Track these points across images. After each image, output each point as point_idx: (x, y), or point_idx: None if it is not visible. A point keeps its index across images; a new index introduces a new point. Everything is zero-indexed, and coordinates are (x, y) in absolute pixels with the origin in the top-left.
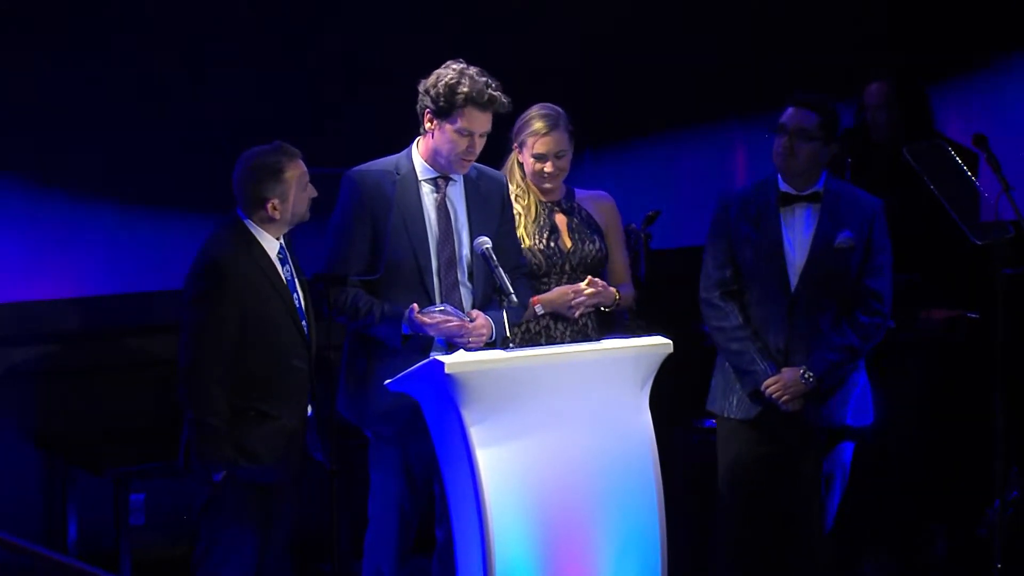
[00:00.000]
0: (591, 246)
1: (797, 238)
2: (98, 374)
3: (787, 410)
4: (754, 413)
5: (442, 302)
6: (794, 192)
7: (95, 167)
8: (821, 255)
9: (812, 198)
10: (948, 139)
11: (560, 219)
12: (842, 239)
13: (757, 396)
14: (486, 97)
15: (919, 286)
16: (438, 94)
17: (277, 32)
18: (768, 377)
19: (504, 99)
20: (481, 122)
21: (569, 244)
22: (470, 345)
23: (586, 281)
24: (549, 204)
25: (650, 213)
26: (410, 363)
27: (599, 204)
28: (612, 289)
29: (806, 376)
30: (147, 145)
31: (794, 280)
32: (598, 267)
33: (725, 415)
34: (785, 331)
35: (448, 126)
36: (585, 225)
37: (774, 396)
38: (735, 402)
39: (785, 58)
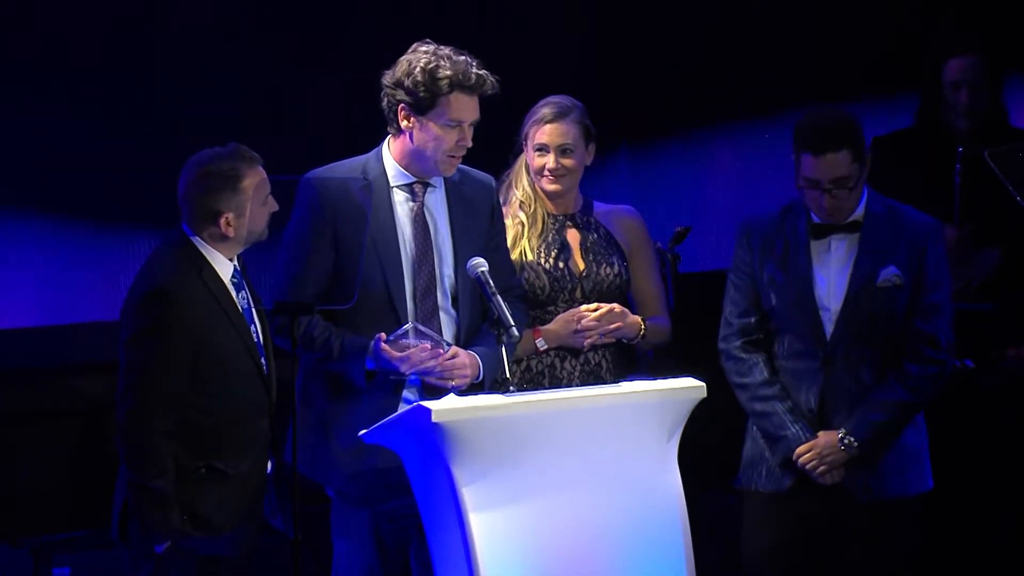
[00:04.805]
0: (608, 270)
1: (831, 277)
2: (14, 421)
3: (824, 483)
4: (786, 485)
5: (411, 322)
6: (831, 222)
7: (8, 178)
8: (860, 296)
9: (851, 227)
10: None
11: (572, 235)
12: (886, 276)
13: (789, 465)
14: (473, 78)
15: (1002, 319)
16: (416, 83)
17: (225, 20)
18: (801, 443)
19: (492, 79)
20: (471, 109)
21: (582, 266)
22: (453, 384)
23: (595, 306)
24: (561, 217)
25: (679, 229)
26: (377, 405)
27: (622, 221)
28: (635, 318)
29: (846, 441)
30: (71, 152)
31: (829, 328)
32: (616, 295)
33: (753, 488)
34: (819, 388)
35: (432, 121)
36: (603, 244)
37: (807, 467)
38: (764, 472)
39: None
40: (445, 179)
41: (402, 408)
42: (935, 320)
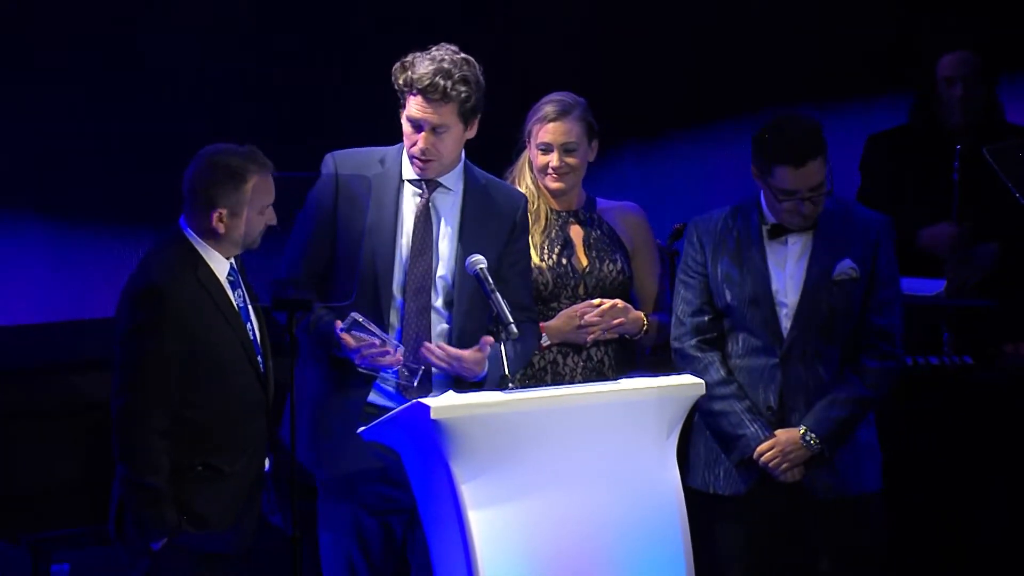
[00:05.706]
0: (611, 266)
1: (788, 271)
2: (13, 420)
3: (786, 480)
4: (745, 487)
5: (356, 315)
6: (806, 225)
7: (8, 178)
8: (817, 291)
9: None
10: None
11: (576, 232)
12: (842, 268)
13: (748, 465)
14: (426, 83)
15: (1000, 315)
16: (394, 77)
17: (225, 20)
18: (760, 441)
19: (460, 89)
20: (423, 112)
21: (584, 263)
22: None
23: (598, 301)
24: (564, 214)
25: (676, 227)
26: (353, 394)
27: (625, 217)
28: (638, 313)
29: (808, 438)
30: (71, 152)
31: (786, 324)
32: (619, 291)
33: (711, 491)
34: (777, 385)
35: (402, 112)
36: (606, 241)
37: (770, 465)
38: (721, 474)
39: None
40: (467, 185)
41: (373, 397)
42: (888, 315)
